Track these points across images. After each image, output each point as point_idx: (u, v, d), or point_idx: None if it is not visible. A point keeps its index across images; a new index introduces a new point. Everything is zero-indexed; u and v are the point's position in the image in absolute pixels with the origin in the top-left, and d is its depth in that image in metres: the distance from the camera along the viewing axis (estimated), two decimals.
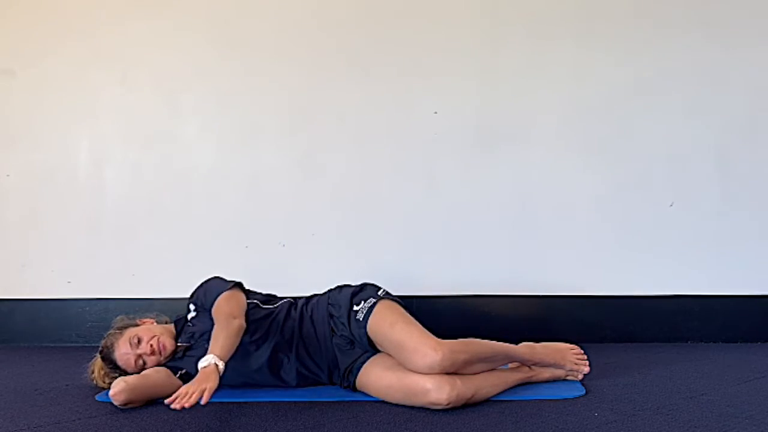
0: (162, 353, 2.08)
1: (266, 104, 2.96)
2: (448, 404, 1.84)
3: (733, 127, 2.84)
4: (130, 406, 1.93)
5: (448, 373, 1.88)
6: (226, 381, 2.05)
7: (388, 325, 1.98)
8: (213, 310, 2.02)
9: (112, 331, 2.15)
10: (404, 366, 1.93)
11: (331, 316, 2.11)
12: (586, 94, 2.87)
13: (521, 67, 2.89)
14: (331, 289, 2.20)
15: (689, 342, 2.81)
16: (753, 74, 2.83)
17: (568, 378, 2.13)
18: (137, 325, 2.16)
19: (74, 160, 3.02)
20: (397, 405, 1.91)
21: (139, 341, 2.08)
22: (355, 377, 2.03)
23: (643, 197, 2.85)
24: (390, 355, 2.01)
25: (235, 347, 1.87)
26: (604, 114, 2.87)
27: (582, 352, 2.16)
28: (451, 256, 2.88)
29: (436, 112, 2.90)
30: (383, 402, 1.95)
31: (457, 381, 1.87)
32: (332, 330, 2.10)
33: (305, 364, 2.09)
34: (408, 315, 2.03)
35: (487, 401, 1.93)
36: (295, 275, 2.84)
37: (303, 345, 2.09)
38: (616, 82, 2.86)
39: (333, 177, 2.93)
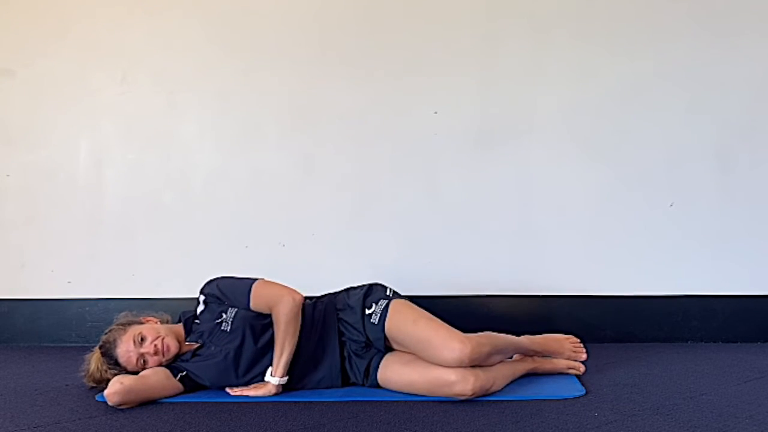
0: (165, 354, 2.06)
1: (266, 104, 2.96)
2: (472, 394, 1.92)
3: (732, 127, 2.83)
4: (124, 406, 1.93)
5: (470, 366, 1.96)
6: (233, 383, 2.08)
7: (410, 323, 2.02)
8: (259, 304, 2.08)
9: (114, 326, 2.13)
10: (429, 361, 1.97)
11: (340, 320, 2.12)
12: (586, 94, 2.87)
13: (521, 66, 2.88)
14: (337, 293, 2.21)
15: (689, 342, 2.81)
16: (753, 74, 2.83)
17: (570, 372, 2.20)
18: (141, 323, 2.14)
19: (74, 160, 3.02)
20: (396, 405, 1.92)
21: (143, 340, 2.06)
22: (375, 376, 2.07)
23: (643, 197, 2.85)
24: (403, 352, 2.06)
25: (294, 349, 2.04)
26: (604, 114, 2.86)
27: (578, 341, 2.26)
28: (451, 256, 2.88)
29: (436, 112, 2.90)
30: (383, 402, 1.95)
31: (479, 372, 1.95)
32: (341, 334, 2.10)
33: (309, 366, 2.10)
34: (424, 311, 2.08)
35: (486, 401, 1.93)
36: (295, 275, 2.82)
37: (309, 347, 2.10)
38: (616, 82, 2.86)
39: (333, 177, 2.93)
